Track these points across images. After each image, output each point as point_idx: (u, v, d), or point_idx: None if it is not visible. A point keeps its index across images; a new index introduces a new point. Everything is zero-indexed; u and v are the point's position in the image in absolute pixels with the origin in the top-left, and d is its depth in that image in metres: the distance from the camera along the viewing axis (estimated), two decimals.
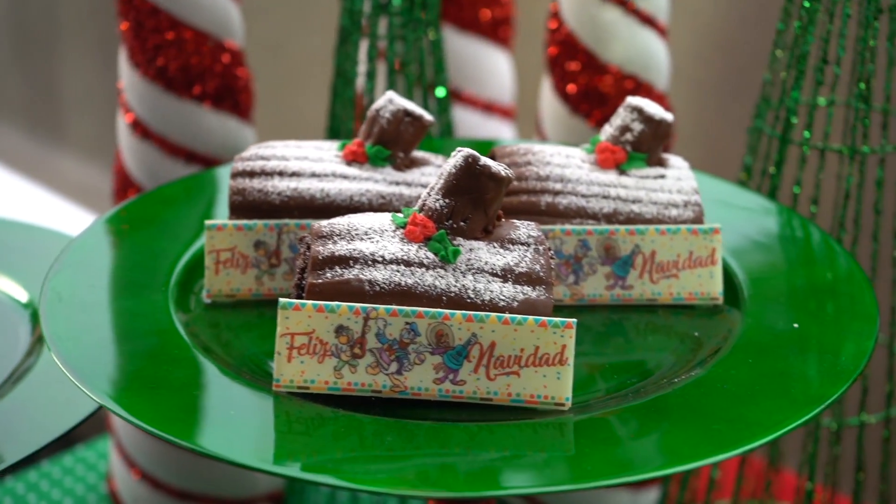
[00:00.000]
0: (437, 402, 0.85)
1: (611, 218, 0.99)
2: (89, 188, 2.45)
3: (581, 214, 0.99)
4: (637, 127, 1.02)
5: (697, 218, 1.00)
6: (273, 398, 0.85)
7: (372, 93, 1.32)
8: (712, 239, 0.99)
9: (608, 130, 1.03)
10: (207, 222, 0.98)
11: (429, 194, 0.88)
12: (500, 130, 1.60)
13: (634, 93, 1.34)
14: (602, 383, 0.89)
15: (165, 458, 1.38)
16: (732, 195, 1.14)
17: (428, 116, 1.02)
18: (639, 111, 1.02)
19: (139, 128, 1.33)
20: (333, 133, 1.36)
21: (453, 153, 0.89)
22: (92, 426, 1.60)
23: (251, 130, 1.38)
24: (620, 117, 1.03)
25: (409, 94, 1.36)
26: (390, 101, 1.02)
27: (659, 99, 1.36)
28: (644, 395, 0.86)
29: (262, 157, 1.02)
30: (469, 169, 0.87)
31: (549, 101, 1.40)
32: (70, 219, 2.38)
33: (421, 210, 0.88)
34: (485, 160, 0.87)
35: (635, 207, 1.00)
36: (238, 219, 1.00)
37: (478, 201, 0.88)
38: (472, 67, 1.56)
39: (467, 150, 0.87)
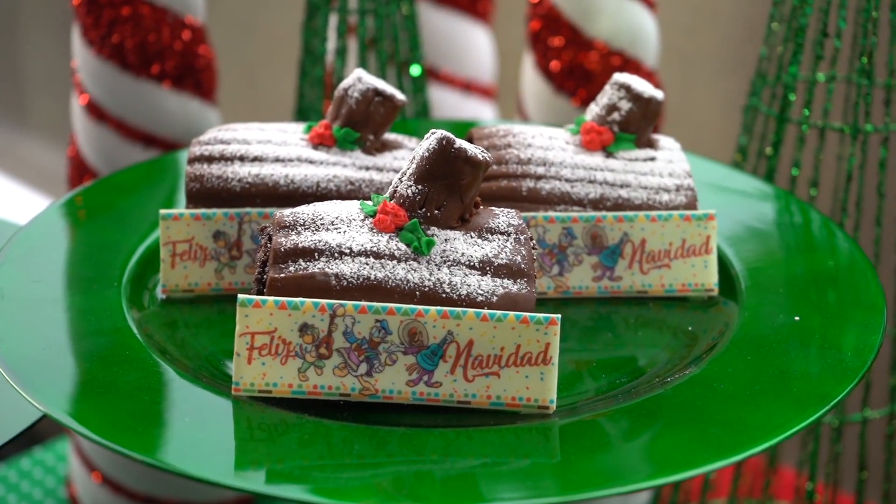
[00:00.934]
0: (410, 407, 0.81)
1: (597, 204, 0.95)
2: (52, 174, 2.39)
3: (565, 200, 0.95)
4: (625, 106, 0.97)
5: (690, 203, 0.96)
6: (233, 403, 0.80)
7: (342, 71, 1.28)
8: (707, 226, 0.94)
9: (594, 110, 0.99)
10: (162, 211, 0.93)
11: (400, 180, 0.84)
12: (481, 111, 1.55)
13: (622, 69, 1.30)
14: (590, 383, 0.85)
15: (127, 460, 1.33)
16: (726, 178, 1.10)
17: (400, 96, 0.97)
18: (627, 89, 0.97)
19: (94, 110, 1.28)
20: (302, 115, 1.31)
21: (426, 135, 0.84)
22: (50, 426, 1.56)
23: (214, 112, 1.33)
24: (607, 95, 0.98)
25: (381, 73, 1.31)
26: (359, 79, 0.97)
27: (648, 76, 1.31)
28: (635, 395, 0.81)
29: (222, 141, 0.97)
30: (444, 152, 0.82)
31: (531, 80, 1.36)
32: (31, 206, 2.32)
33: (392, 197, 0.83)
34: (460, 143, 0.82)
35: (623, 192, 0.95)
36: (196, 207, 0.95)
37: (453, 187, 0.83)
38: (450, 44, 1.51)
39: (441, 132, 0.82)
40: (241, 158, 0.95)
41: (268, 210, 0.94)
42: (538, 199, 0.95)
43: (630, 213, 0.94)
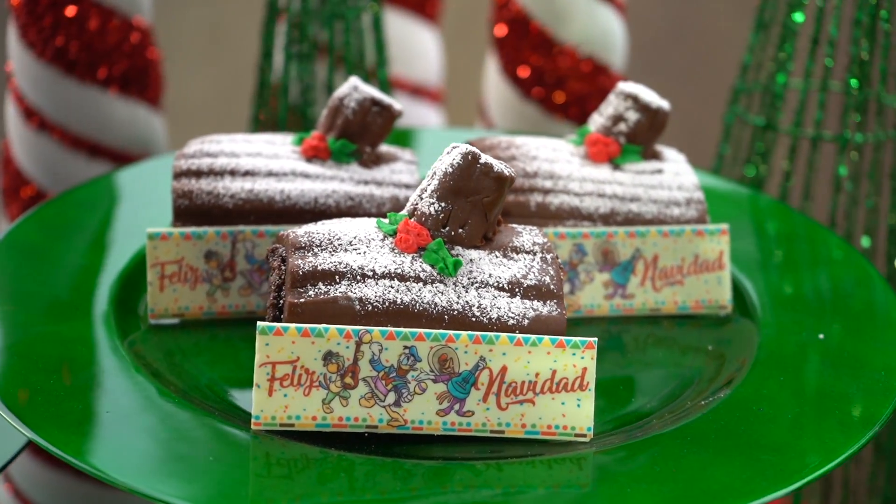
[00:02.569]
0: (441, 438, 0.79)
1: (608, 219, 0.95)
2: None
3: (575, 215, 0.94)
4: (632, 116, 0.97)
5: (701, 217, 0.96)
6: (252, 437, 0.77)
7: (286, 77, 1.25)
8: (720, 241, 0.95)
9: (598, 120, 0.98)
10: (149, 230, 0.90)
11: (420, 197, 0.82)
12: (428, 116, 1.54)
13: (592, 74, 1.30)
14: (617, 408, 0.85)
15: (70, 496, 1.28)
16: (720, 190, 1.11)
17: (397, 105, 0.95)
18: (633, 99, 0.97)
19: (34, 117, 1.23)
20: (259, 123, 1.29)
21: (447, 150, 0.82)
22: None
23: (160, 120, 1.30)
24: (612, 105, 0.98)
25: (330, 80, 1.28)
26: (355, 88, 0.95)
27: (618, 80, 1.31)
28: (670, 422, 0.81)
29: (209, 154, 0.94)
30: (469, 168, 0.81)
31: (496, 85, 1.35)
32: None
33: (412, 215, 0.82)
34: (486, 158, 0.81)
35: (634, 207, 0.95)
36: (184, 226, 0.92)
37: (477, 205, 0.82)
38: (398, 46, 1.49)
39: (465, 147, 0.81)
40: (232, 173, 0.93)
41: (263, 228, 0.91)
42: (547, 214, 0.94)
43: (642, 228, 0.94)
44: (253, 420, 0.78)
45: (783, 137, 1.17)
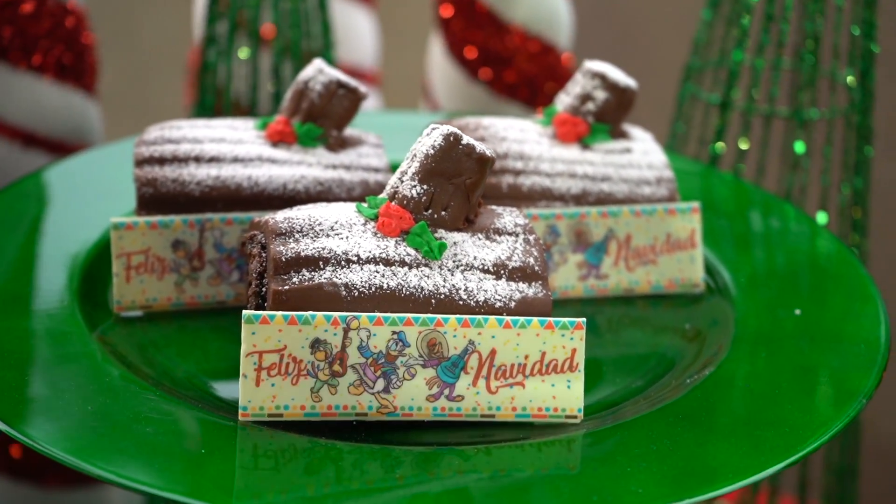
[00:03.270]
0: (433, 424, 0.79)
1: (580, 199, 0.96)
2: None
3: (547, 196, 0.95)
4: (600, 95, 0.98)
5: (672, 195, 0.97)
6: (238, 429, 0.77)
7: (228, 61, 1.24)
8: (691, 218, 0.96)
9: (565, 100, 0.99)
10: (114, 220, 0.89)
11: (401, 180, 0.82)
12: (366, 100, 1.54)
13: (540, 54, 1.31)
14: (603, 388, 0.86)
15: None
16: (677, 168, 1.12)
17: (363, 88, 0.95)
18: (601, 78, 0.98)
19: None
20: (203, 110, 1.27)
21: (426, 131, 0.83)
22: None
23: (96, 107, 1.28)
24: (580, 85, 0.99)
25: (277, 65, 1.28)
26: (320, 70, 0.95)
27: (565, 61, 1.33)
28: (659, 401, 0.82)
29: (171, 140, 0.93)
30: (450, 149, 0.81)
31: (440, 67, 1.35)
32: None
33: (393, 199, 0.82)
34: (468, 139, 0.82)
35: (605, 186, 0.96)
36: (149, 214, 0.91)
37: (460, 187, 0.82)
38: (333, 29, 1.49)
39: (447, 128, 0.82)
40: (197, 159, 0.92)
41: (231, 215, 0.91)
42: (519, 195, 0.95)
43: (614, 208, 0.95)
44: (240, 411, 0.77)
45: (739, 115, 1.19)
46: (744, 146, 1.18)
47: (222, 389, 0.83)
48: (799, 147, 1.16)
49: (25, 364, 0.80)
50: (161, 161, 0.92)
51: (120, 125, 1.69)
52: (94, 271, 0.93)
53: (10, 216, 1.00)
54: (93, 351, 0.83)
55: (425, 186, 0.81)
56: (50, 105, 1.22)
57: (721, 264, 0.99)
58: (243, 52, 1.24)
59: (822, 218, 1.19)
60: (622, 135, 1.00)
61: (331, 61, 1.30)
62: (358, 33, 1.52)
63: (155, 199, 0.90)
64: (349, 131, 0.98)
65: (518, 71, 1.30)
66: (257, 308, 0.81)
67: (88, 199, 1.03)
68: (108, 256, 0.93)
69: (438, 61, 1.35)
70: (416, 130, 1.14)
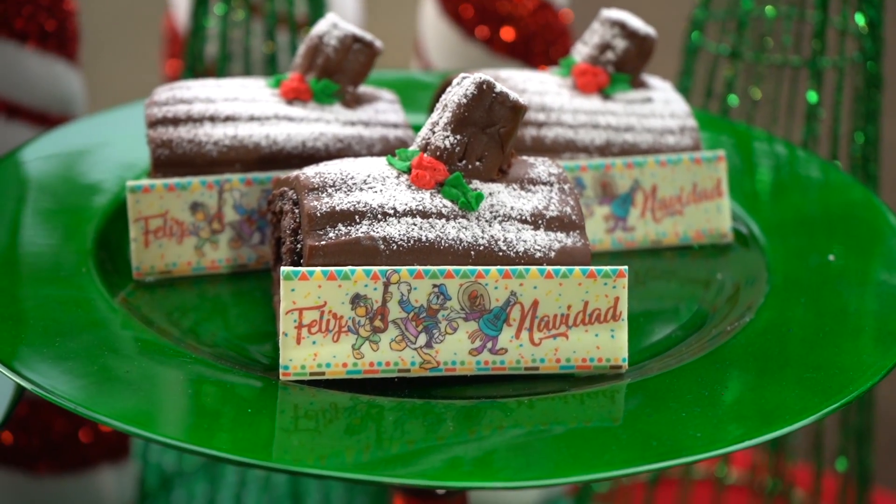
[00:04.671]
0: (476, 378, 0.81)
1: (604, 150, 0.97)
2: None
3: (570, 148, 0.97)
4: (620, 44, 0.99)
5: (696, 144, 0.99)
6: (280, 388, 0.78)
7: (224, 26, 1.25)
8: (717, 168, 0.98)
9: (583, 50, 1.01)
10: (130, 183, 0.90)
11: (432, 131, 0.83)
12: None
13: (537, 11, 1.33)
14: (643, 339, 0.87)
15: None
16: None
17: (378, 42, 0.96)
18: (621, 26, 0.99)
19: None
20: (193, 76, 1.28)
21: (457, 80, 0.84)
22: None
23: (78, 76, 1.28)
24: (598, 34, 1.00)
25: (272, 28, 1.28)
26: (335, 25, 0.96)
27: (563, 17, 1.34)
28: (701, 349, 0.84)
29: (183, 100, 0.94)
30: (482, 98, 0.83)
31: (434, 26, 1.37)
32: None
33: (426, 150, 0.83)
34: (500, 87, 0.83)
35: (629, 137, 0.98)
36: (165, 177, 0.91)
37: (493, 136, 0.83)
38: None
39: (479, 76, 0.83)
40: (212, 119, 0.93)
41: (250, 175, 0.92)
42: (542, 148, 0.96)
43: (639, 159, 0.97)
44: (281, 370, 0.78)
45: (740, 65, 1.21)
46: (757, 97, 1.20)
47: (255, 352, 0.84)
48: (811, 97, 1.18)
49: (54, 332, 0.81)
50: (175, 121, 0.92)
51: (97, 90, 1.69)
52: (107, 238, 0.94)
53: (6, 187, 1.00)
54: (119, 316, 0.84)
55: (458, 136, 0.83)
56: (33, 74, 1.22)
57: (746, 214, 1.01)
58: (239, 15, 1.25)
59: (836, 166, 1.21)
60: (642, 84, 1.02)
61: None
62: None
63: (171, 160, 0.91)
64: (363, 88, 0.99)
65: (515, 29, 1.32)
66: (293, 265, 0.82)
67: (85, 169, 1.04)
68: (122, 222, 0.94)
69: (432, 20, 1.37)
70: (408, 89, 1.15)
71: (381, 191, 0.81)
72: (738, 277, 0.94)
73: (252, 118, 0.93)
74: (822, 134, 1.21)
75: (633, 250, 0.98)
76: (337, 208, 0.80)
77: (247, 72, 1.29)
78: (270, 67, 1.28)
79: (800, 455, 1.40)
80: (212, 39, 1.29)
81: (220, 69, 1.27)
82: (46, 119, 1.25)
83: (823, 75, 1.18)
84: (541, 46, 1.33)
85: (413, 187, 0.82)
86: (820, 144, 1.21)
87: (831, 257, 0.93)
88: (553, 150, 0.96)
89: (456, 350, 0.80)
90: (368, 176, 0.82)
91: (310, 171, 0.83)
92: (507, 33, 1.32)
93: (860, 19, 1.19)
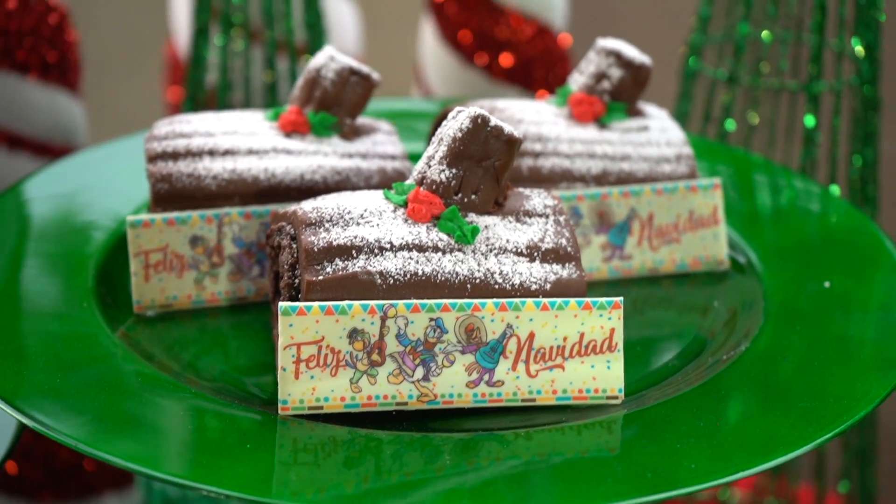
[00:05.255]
0: (473, 410, 0.82)
1: (600, 180, 0.98)
2: None
3: (567, 177, 0.98)
4: (615, 73, 1.01)
5: (692, 172, 1.00)
6: (279, 423, 0.79)
7: (223, 56, 1.26)
8: (713, 195, 0.99)
9: (579, 79, 1.02)
10: (130, 218, 0.91)
11: (428, 165, 0.85)
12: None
13: (536, 37, 1.34)
14: (640, 368, 0.89)
15: None
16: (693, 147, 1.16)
17: (375, 75, 0.98)
18: (616, 55, 1.01)
19: None
20: (195, 105, 1.29)
21: (452, 114, 0.85)
22: None
23: (80, 107, 1.30)
24: (594, 63, 1.02)
25: (271, 56, 1.30)
26: (332, 58, 0.97)
27: (562, 41, 1.36)
28: (698, 378, 0.85)
29: (182, 135, 0.95)
30: (478, 132, 0.84)
31: (433, 52, 1.38)
32: None
33: (422, 184, 0.85)
34: (495, 120, 0.84)
35: (625, 165, 0.99)
36: (164, 211, 0.93)
37: (489, 169, 0.85)
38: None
39: (473, 110, 0.84)
40: (211, 153, 0.94)
41: (249, 209, 0.93)
42: (539, 177, 0.97)
43: (636, 187, 0.98)
44: (280, 405, 0.79)
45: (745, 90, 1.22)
46: (754, 121, 1.21)
47: (253, 385, 0.85)
48: (809, 121, 1.19)
49: (54, 367, 0.82)
50: (174, 156, 0.94)
51: (98, 120, 1.71)
52: (108, 272, 0.95)
53: (9, 222, 1.01)
54: (119, 351, 0.85)
55: (454, 170, 0.84)
56: (35, 105, 1.24)
57: (742, 240, 1.02)
58: (238, 45, 1.26)
59: (834, 191, 1.22)
60: (638, 113, 1.03)
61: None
62: (340, 20, 1.55)
63: (171, 194, 0.92)
64: (361, 119, 1.00)
65: (514, 55, 1.33)
66: (291, 300, 0.83)
67: (87, 202, 1.05)
68: (122, 256, 0.95)
69: (431, 46, 1.38)
70: (408, 117, 1.17)
71: (377, 225, 0.83)
72: (735, 305, 0.95)
73: (251, 151, 0.94)
74: (820, 157, 1.22)
75: (631, 278, 0.99)
76: (334, 243, 0.81)
77: (247, 99, 1.31)
78: (271, 95, 1.29)
79: (803, 477, 1.41)
80: (212, 68, 1.31)
81: (220, 98, 1.28)
82: (49, 150, 1.27)
83: (821, 99, 1.20)
84: (540, 71, 1.34)
85: (410, 221, 0.83)
86: (818, 168, 1.22)
87: (827, 284, 0.94)
88: (550, 179, 0.97)
89: (453, 383, 0.81)
90: (365, 210, 0.84)
91: (307, 206, 0.84)
92: (506, 59, 1.34)
93: (856, 43, 1.20)
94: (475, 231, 0.83)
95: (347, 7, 1.55)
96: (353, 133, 0.98)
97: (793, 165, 1.22)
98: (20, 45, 1.22)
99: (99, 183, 1.08)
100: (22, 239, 0.99)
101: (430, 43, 1.38)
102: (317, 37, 1.30)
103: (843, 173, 1.24)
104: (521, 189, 0.88)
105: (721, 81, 1.22)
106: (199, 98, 1.28)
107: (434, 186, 0.84)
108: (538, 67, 1.34)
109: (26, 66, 1.23)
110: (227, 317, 0.94)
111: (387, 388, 0.81)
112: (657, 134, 1.01)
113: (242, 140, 0.95)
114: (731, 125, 1.22)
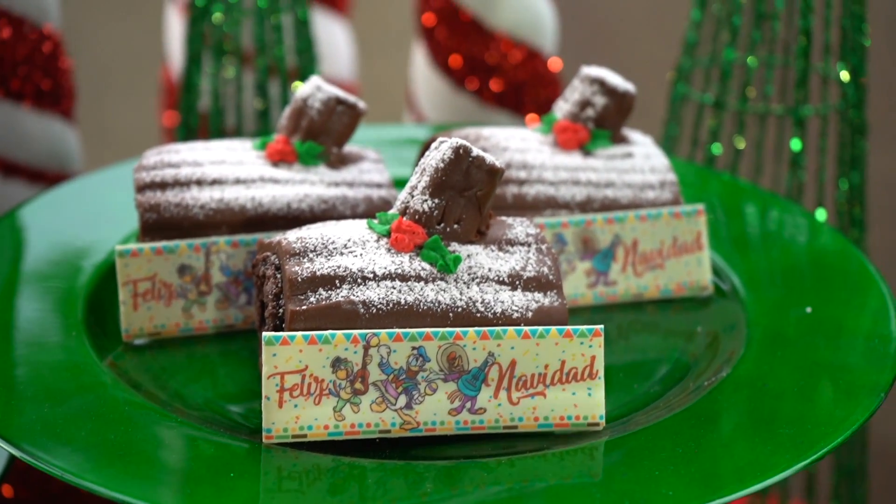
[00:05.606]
0: (456, 437, 0.83)
1: (585, 206, 1.00)
2: None
3: (552, 204, 0.99)
4: (599, 101, 1.02)
5: (676, 199, 1.01)
6: (263, 451, 0.80)
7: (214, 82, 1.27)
8: (697, 221, 1.00)
9: (564, 107, 1.03)
10: (118, 248, 0.92)
11: (411, 195, 0.86)
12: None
13: (526, 61, 1.35)
14: (622, 394, 0.89)
15: None
16: (676, 170, 1.17)
17: (362, 104, 0.99)
18: (600, 83, 1.02)
19: None
20: (188, 131, 1.31)
21: (435, 145, 0.86)
22: None
23: (74, 133, 1.31)
24: (578, 91, 1.03)
25: (263, 83, 1.31)
26: (318, 88, 0.98)
27: (552, 66, 1.37)
28: (679, 404, 0.86)
29: (170, 164, 0.97)
30: (460, 162, 0.85)
31: (425, 77, 1.39)
32: None
33: (405, 214, 0.86)
34: (477, 151, 0.85)
35: (609, 192, 1.00)
36: (153, 240, 0.94)
37: (471, 199, 0.86)
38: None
39: (456, 140, 0.85)
40: (199, 182, 0.95)
41: (237, 238, 0.94)
42: (524, 205, 0.98)
43: (620, 214, 0.99)
44: (264, 433, 0.81)
45: (733, 114, 1.24)
46: (741, 146, 1.22)
47: (238, 413, 0.86)
48: (795, 145, 1.20)
49: (42, 397, 0.83)
50: (163, 186, 0.95)
51: (94, 145, 1.72)
52: (96, 301, 0.96)
53: (5, 248, 1.03)
54: (107, 380, 0.86)
55: (437, 200, 0.85)
56: (30, 133, 1.25)
57: (727, 266, 1.03)
58: (230, 72, 1.27)
59: (820, 215, 1.23)
60: (623, 139, 1.04)
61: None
62: (334, 45, 1.56)
63: (159, 224, 0.94)
64: (348, 147, 1.01)
65: (504, 79, 1.35)
66: (275, 329, 0.84)
67: (78, 230, 1.06)
68: (112, 284, 0.96)
69: (422, 71, 1.39)
70: (401, 144, 1.18)
71: (360, 255, 0.84)
72: (719, 330, 0.96)
73: (238, 181, 0.96)
74: (807, 181, 1.23)
75: (615, 304, 1.00)
76: (317, 273, 0.82)
77: (239, 124, 1.32)
78: (263, 121, 1.31)
79: (793, 495, 1.41)
80: (205, 94, 1.32)
81: (212, 123, 1.29)
82: (44, 176, 1.28)
83: (807, 123, 1.21)
84: (531, 96, 1.35)
85: (393, 251, 0.84)
86: (806, 191, 1.23)
87: (808, 309, 0.95)
88: (534, 207, 0.99)
89: (436, 410, 0.82)
90: (349, 240, 0.85)
91: (291, 237, 0.85)
92: (497, 83, 1.35)
93: (842, 67, 1.21)
94: (457, 260, 0.84)
95: (342, 32, 1.56)
96: (339, 161, 0.99)
97: (780, 189, 1.23)
98: (14, 73, 1.23)
99: (91, 211, 1.09)
100: (14, 267, 1.00)
101: (421, 68, 1.40)
102: (308, 63, 1.31)
103: (831, 196, 1.25)
104: (503, 218, 0.89)
105: (708, 106, 1.23)
106: (192, 124, 1.29)
107: (417, 216, 0.85)
108: (529, 91, 1.35)
109: (20, 94, 1.24)
110: (215, 344, 0.95)
111: (370, 417, 0.82)
112: (641, 161, 1.02)
113: (230, 169, 0.96)
114: (717, 149, 1.23)
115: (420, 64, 1.40)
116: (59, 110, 1.28)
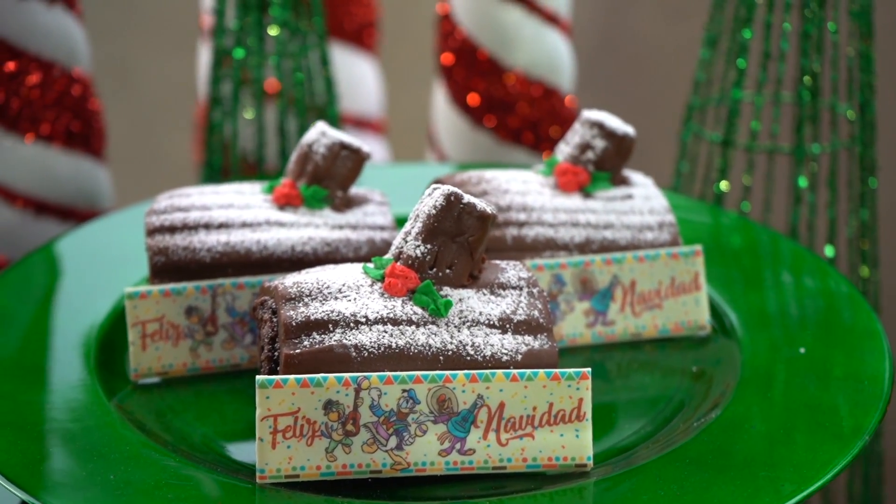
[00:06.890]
0: (445, 477, 0.84)
1: (583, 248, 1.01)
2: None
3: (551, 246, 1.00)
4: (599, 144, 1.03)
5: (674, 240, 1.02)
6: (257, 491, 0.82)
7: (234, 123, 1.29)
8: (694, 262, 1.01)
9: (565, 150, 1.05)
10: (128, 290, 0.95)
11: (405, 240, 0.87)
12: (373, 148, 1.60)
13: (543, 99, 1.36)
14: (613, 435, 0.90)
15: None
16: (683, 209, 1.17)
17: (366, 148, 1.01)
18: (599, 126, 1.03)
19: None
20: (211, 173, 1.33)
21: (428, 191, 0.88)
22: None
23: (105, 172, 1.34)
24: (578, 134, 1.04)
25: (282, 120, 1.33)
26: (323, 133, 1.00)
27: (568, 103, 1.38)
28: (666, 445, 0.87)
29: (180, 209, 0.99)
30: (451, 208, 0.87)
31: (445, 115, 1.41)
32: None
33: (398, 259, 0.87)
34: (468, 198, 0.87)
35: (608, 234, 1.01)
36: (162, 282, 0.96)
37: (463, 244, 0.87)
38: (338, 79, 1.55)
39: (447, 188, 0.87)
40: (206, 226, 0.97)
41: (242, 280, 0.96)
42: (524, 246, 1.00)
43: (618, 255, 1.00)
44: (258, 474, 0.82)
45: (734, 152, 1.24)
46: (747, 183, 1.23)
47: (240, 451, 0.88)
48: (801, 182, 1.20)
49: (47, 437, 0.86)
50: (172, 230, 0.97)
51: (129, 181, 1.75)
52: (110, 340, 0.99)
53: (25, 288, 1.05)
54: (112, 420, 0.88)
55: (429, 246, 0.87)
56: (60, 173, 1.28)
57: (727, 305, 1.04)
58: (249, 113, 1.30)
59: (829, 251, 1.23)
60: (623, 181, 1.05)
61: (335, 116, 1.36)
62: (362, 83, 1.58)
63: (167, 267, 0.96)
64: (354, 190, 1.03)
65: (521, 116, 1.36)
66: (270, 372, 0.86)
67: (100, 269, 1.09)
68: (124, 325, 0.98)
69: (442, 109, 1.41)
70: (424, 182, 1.19)
71: (354, 299, 0.85)
72: (714, 370, 0.97)
73: (244, 224, 0.98)
74: (817, 218, 1.23)
75: (614, 343, 1.01)
76: (311, 317, 0.84)
77: (260, 163, 1.34)
78: (282, 160, 1.33)
79: None
80: (245, 133, 1.34)
81: (232, 162, 1.32)
82: (74, 214, 1.31)
83: (816, 160, 1.21)
84: (548, 132, 1.36)
85: (386, 295, 0.86)
86: (816, 229, 1.23)
87: (802, 350, 0.96)
88: (534, 248, 1.00)
89: (426, 451, 0.84)
90: (343, 285, 0.86)
91: (288, 281, 0.87)
92: (513, 121, 1.36)
93: (849, 107, 1.21)
94: (448, 305, 0.86)
95: (370, 69, 1.58)
96: (344, 205, 1.01)
97: (791, 227, 1.24)
98: (44, 117, 1.26)
99: (110, 251, 1.11)
100: (31, 307, 1.02)
101: (441, 106, 1.41)
102: (330, 102, 1.33)
103: (842, 233, 1.25)
104: (496, 262, 0.90)
105: (716, 144, 1.24)
106: (215, 164, 1.32)
107: (410, 261, 0.87)
108: (546, 128, 1.36)
109: (50, 136, 1.27)
110: (221, 382, 0.97)
111: (361, 457, 0.83)
112: (641, 202, 1.03)
113: (237, 213, 0.98)
114: (725, 187, 1.23)
115: (440, 102, 1.41)
116: (89, 150, 1.30)
